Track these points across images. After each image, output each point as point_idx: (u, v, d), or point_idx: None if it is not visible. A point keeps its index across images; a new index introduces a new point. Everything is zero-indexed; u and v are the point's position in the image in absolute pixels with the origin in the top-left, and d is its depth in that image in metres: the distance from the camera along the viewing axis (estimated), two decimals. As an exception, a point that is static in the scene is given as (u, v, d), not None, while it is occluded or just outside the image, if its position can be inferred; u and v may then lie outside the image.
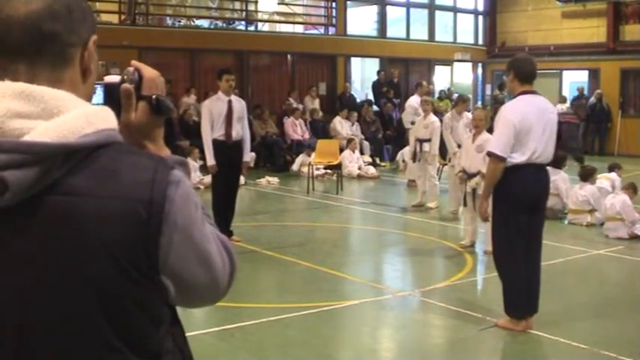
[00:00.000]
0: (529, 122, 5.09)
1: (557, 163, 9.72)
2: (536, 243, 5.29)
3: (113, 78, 1.41)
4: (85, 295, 1.21)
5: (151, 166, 1.26)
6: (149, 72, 1.42)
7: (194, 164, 12.59)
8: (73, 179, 1.20)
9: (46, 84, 1.23)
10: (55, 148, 1.17)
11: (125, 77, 1.39)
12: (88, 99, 1.33)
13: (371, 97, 18.30)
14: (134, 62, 1.42)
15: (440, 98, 18.09)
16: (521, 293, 5.21)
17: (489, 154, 5.24)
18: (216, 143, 7.73)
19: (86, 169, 1.21)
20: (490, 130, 7.47)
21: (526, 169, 5.13)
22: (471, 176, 7.79)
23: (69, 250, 1.19)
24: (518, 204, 5.13)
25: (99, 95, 1.41)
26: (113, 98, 1.39)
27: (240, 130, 7.84)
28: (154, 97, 1.40)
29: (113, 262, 1.20)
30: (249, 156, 8.17)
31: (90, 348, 1.23)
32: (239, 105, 7.87)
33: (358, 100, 18.02)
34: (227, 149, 7.72)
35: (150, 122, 1.41)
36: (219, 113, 7.71)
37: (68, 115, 1.21)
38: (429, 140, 10.42)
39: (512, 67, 5.24)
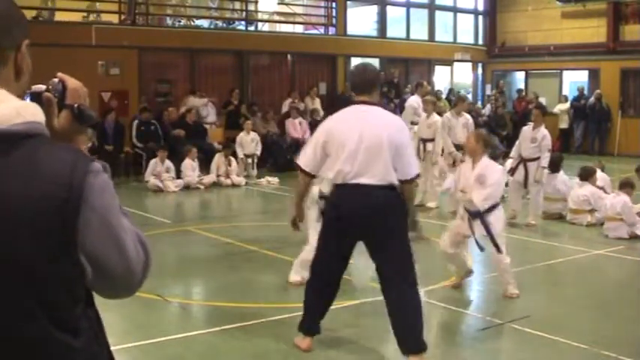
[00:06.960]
0: (341, 137, 4.51)
1: (555, 166, 9.71)
2: (384, 279, 4.62)
3: (39, 87, 1.53)
4: (7, 267, 1.34)
5: (73, 155, 1.42)
6: (73, 83, 1.56)
7: (192, 164, 12.60)
8: (0, 162, 1.34)
9: None
10: None
11: (50, 87, 1.52)
12: (20, 97, 1.47)
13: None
14: (59, 74, 1.56)
15: (448, 99, 18.00)
16: (309, 310, 4.87)
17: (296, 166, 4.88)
18: None
19: (13, 154, 1.35)
20: (493, 156, 7.07)
21: (341, 190, 4.55)
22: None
23: None
24: (328, 225, 4.70)
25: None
26: (39, 105, 1.50)
27: None
28: (75, 106, 1.53)
29: (34, 238, 1.34)
30: None
31: (10, 316, 1.36)
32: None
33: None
34: None
35: (72, 129, 1.54)
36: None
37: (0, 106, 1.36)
38: (432, 140, 10.42)
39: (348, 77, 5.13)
